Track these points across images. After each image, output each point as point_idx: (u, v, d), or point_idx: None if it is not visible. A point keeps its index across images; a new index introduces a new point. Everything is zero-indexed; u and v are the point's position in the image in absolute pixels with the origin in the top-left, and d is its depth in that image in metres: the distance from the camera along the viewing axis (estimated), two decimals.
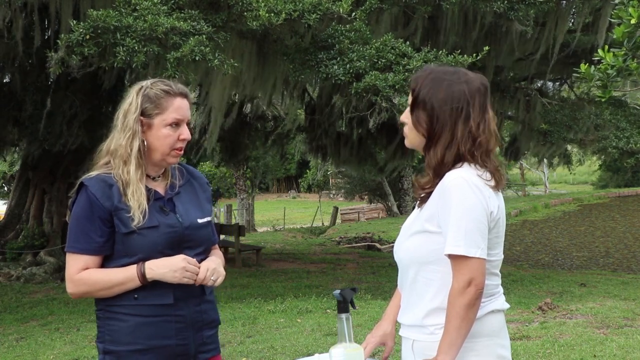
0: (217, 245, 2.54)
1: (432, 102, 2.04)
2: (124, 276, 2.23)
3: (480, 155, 2.03)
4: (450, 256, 1.96)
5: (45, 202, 13.10)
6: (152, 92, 2.30)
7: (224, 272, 2.37)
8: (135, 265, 2.23)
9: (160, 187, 2.36)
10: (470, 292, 1.93)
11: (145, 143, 2.30)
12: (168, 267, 2.22)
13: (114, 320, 2.28)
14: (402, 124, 2.13)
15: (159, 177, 2.37)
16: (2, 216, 14.16)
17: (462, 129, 2.02)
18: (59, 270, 11.99)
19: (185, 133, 2.32)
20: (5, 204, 16.92)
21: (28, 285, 11.28)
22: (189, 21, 7.12)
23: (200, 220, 2.36)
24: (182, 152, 2.34)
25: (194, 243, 2.32)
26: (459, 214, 1.95)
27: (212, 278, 2.28)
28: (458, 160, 2.03)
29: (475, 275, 1.94)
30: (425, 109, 2.06)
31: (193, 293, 2.31)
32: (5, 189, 27.67)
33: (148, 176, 2.34)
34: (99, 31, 6.86)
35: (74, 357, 6.24)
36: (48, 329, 7.90)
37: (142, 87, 2.32)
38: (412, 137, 2.12)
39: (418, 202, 2.12)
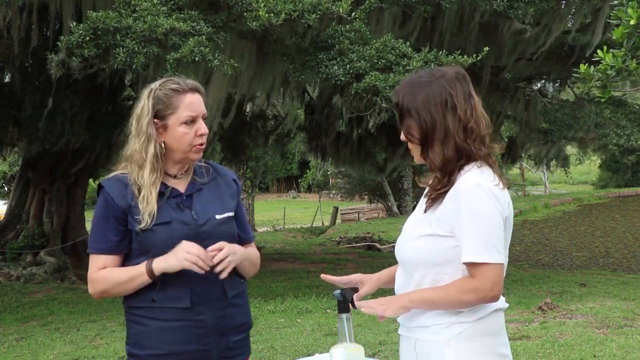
0: (252, 244, 2.49)
1: (416, 107, 2.06)
2: (133, 272, 2.24)
3: (473, 142, 2.04)
4: (472, 264, 1.97)
5: (45, 202, 13.09)
6: (162, 92, 2.28)
7: (236, 259, 2.29)
8: (144, 262, 2.24)
9: (181, 185, 2.34)
10: (487, 297, 1.97)
11: (164, 145, 2.28)
12: (171, 254, 2.21)
13: (135, 323, 2.30)
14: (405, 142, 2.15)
15: (181, 175, 2.35)
16: (2, 216, 14.16)
17: (453, 120, 2.03)
18: (59, 270, 12.00)
19: (202, 128, 2.29)
20: (5, 204, 16.93)
21: (28, 285, 11.28)
22: (188, 22, 7.12)
23: (218, 217, 2.33)
24: (204, 146, 2.31)
25: (213, 240, 2.28)
26: (477, 221, 1.96)
27: (223, 259, 2.22)
28: (460, 154, 2.03)
29: (498, 281, 1.97)
30: (411, 115, 2.07)
31: (214, 297, 2.28)
32: (5, 189, 27.65)
33: (169, 175, 2.32)
34: (99, 32, 6.86)
35: (74, 357, 6.24)
36: (48, 329, 7.90)
37: (152, 89, 2.30)
38: (414, 150, 2.13)
39: (427, 202, 2.11)
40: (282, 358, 5.72)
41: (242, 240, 2.43)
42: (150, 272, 2.22)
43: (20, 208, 13.45)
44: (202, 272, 2.20)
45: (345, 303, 2.14)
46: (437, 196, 2.07)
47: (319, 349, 5.68)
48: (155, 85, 2.32)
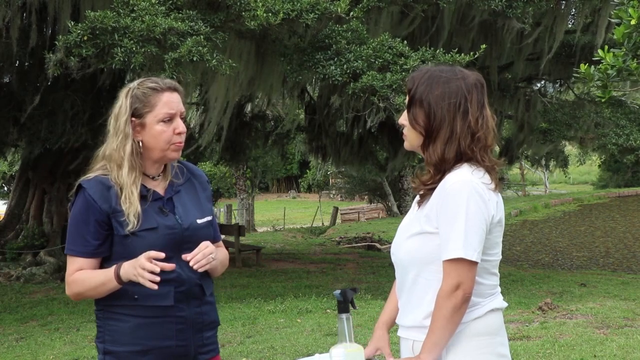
0: (220, 243, 2.51)
1: (429, 99, 2.04)
2: (104, 277, 2.22)
3: (479, 150, 2.03)
4: (446, 260, 1.97)
5: (45, 202, 13.09)
6: (140, 91, 2.29)
7: (215, 263, 2.30)
8: (114, 266, 2.21)
9: (159, 187, 2.34)
10: (457, 295, 1.95)
11: (141, 143, 2.28)
12: (131, 265, 2.18)
13: (114, 320, 2.28)
14: (402, 127, 2.13)
15: (158, 176, 2.35)
16: (2, 216, 14.16)
17: (461, 124, 2.02)
18: (59, 270, 11.99)
19: (180, 126, 2.30)
20: (5, 204, 16.92)
21: (28, 285, 11.28)
22: (187, 21, 7.11)
23: (199, 221, 2.35)
24: (182, 145, 2.32)
25: (194, 244, 2.29)
26: (460, 219, 1.95)
27: (203, 261, 2.22)
28: (459, 157, 2.03)
29: (464, 279, 1.95)
30: (422, 106, 2.05)
31: (194, 294, 2.31)
32: (5, 189, 27.64)
33: (147, 176, 2.32)
34: (97, 32, 6.86)
35: (74, 357, 6.24)
36: (48, 329, 7.90)
37: (130, 88, 2.31)
38: (411, 137, 2.11)
39: (418, 198, 2.11)
40: (282, 358, 5.72)
41: (214, 242, 2.44)
42: (118, 278, 2.20)
43: (20, 208, 13.44)
44: (155, 287, 2.14)
45: (345, 303, 2.13)
46: (426, 192, 2.07)
47: (319, 349, 5.67)
48: (133, 84, 2.33)
